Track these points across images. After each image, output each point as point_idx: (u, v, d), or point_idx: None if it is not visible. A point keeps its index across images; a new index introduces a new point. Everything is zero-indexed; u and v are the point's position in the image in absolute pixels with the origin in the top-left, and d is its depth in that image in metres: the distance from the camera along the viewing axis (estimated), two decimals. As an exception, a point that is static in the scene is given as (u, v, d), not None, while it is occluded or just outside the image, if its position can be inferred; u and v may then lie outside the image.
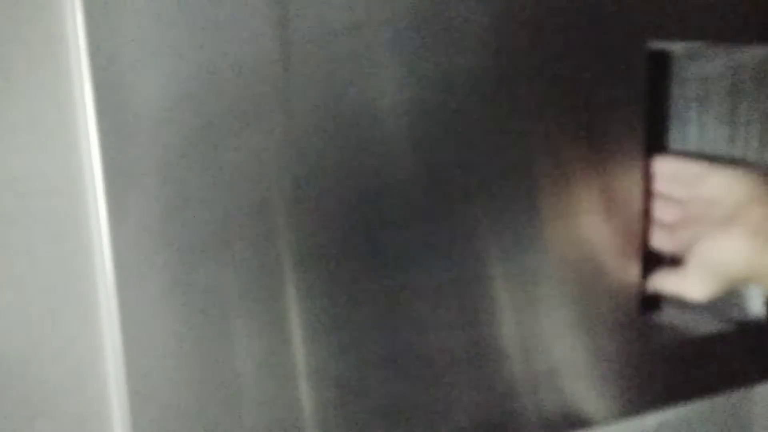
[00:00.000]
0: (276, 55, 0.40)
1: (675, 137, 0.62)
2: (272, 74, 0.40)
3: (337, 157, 0.42)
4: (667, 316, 0.56)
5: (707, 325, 0.58)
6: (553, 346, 0.50)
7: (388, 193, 0.44)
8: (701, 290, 0.50)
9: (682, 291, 0.51)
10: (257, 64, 0.40)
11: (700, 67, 0.59)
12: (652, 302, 0.53)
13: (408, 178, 0.44)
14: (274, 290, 0.41)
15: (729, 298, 0.57)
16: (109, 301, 0.38)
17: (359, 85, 0.42)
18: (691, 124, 0.61)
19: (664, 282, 0.52)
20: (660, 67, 0.60)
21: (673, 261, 0.54)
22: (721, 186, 0.50)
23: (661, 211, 0.54)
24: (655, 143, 0.59)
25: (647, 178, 0.52)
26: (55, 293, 0.38)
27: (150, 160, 0.38)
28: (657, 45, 0.52)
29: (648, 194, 0.52)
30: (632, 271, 0.52)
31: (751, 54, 0.57)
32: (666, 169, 0.53)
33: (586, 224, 0.50)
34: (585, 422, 0.53)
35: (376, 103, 0.43)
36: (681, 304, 0.56)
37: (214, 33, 0.38)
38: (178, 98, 0.38)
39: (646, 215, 0.52)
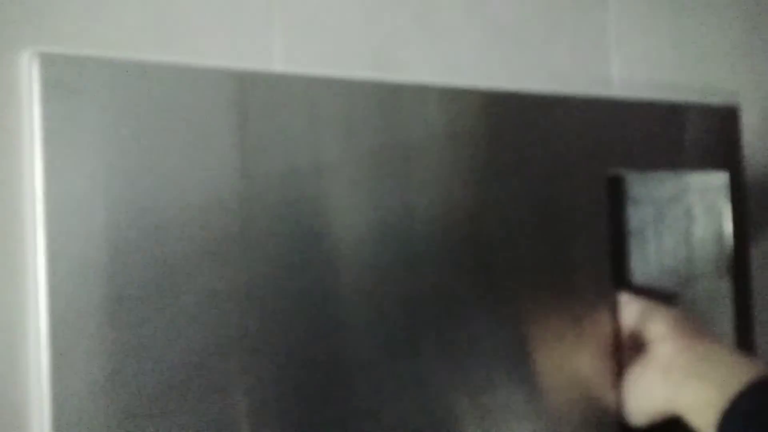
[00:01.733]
0: (236, 194, 0.39)
1: (636, 258, 0.63)
2: (233, 213, 0.39)
3: (297, 299, 0.41)
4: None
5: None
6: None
7: (349, 338, 0.42)
8: (634, 418, 0.51)
9: (625, 417, 0.52)
10: (217, 205, 0.39)
11: (653, 191, 0.62)
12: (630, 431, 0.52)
13: (372, 312, 0.43)
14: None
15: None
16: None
17: (319, 222, 0.42)
18: (649, 245, 0.63)
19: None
20: (617, 191, 0.62)
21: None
22: (646, 320, 0.52)
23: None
24: (618, 265, 0.60)
25: (615, 310, 0.53)
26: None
27: (100, 305, 0.36)
28: (614, 172, 0.54)
29: (617, 323, 0.53)
30: (610, 399, 0.51)
31: (698, 178, 0.60)
32: (623, 303, 0.54)
33: (560, 353, 0.50)
34: None
35: (336, 241, 0.42)
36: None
37: (173, 173, 0.38)
38: (134, 240, 0.37)
39: (620, 344, 0.52)
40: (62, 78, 0.36)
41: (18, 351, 0.35)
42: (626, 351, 0.53)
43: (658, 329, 0.50)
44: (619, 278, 0.56)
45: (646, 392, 0.50)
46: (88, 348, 0.35)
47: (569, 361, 0.50)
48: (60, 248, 0.35)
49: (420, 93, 0.45)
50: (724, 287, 0.60)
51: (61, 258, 0.35)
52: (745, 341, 0.60)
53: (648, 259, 0.62)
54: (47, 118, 0.35)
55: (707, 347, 0.49)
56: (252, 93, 0.40)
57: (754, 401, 0.43)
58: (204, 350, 0.38)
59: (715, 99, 0.59)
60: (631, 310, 0.52)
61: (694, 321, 0.52)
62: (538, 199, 0.50)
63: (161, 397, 0.37)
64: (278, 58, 0.42)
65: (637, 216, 0.62)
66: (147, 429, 0.36)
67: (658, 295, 0.55)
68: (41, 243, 0.35)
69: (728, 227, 0.59)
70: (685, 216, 0.61)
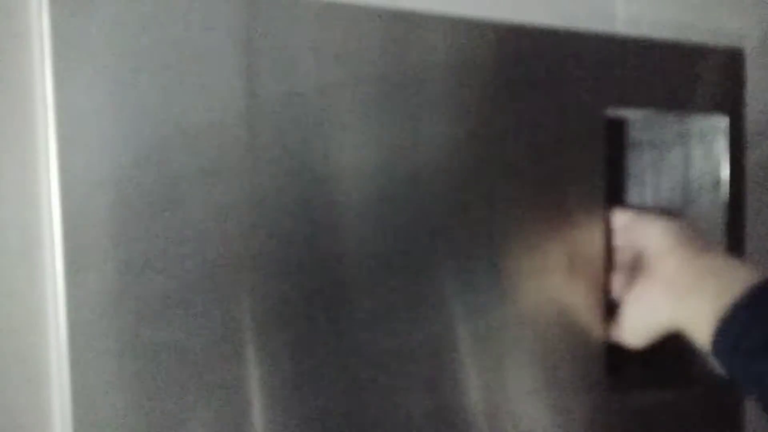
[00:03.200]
0: (242, 113, 0.40)
1: (633, 201, 0.63)
2: (238, 133, 0.40)
3: (302, 217, 0.42)
4: (634, 374, 0.57)
5: (673, 383, 0.58)
6: (519, 408, 0.49)
7: (352, 255, 0.43)
8: (633, 338, 0.51)
9: (619, 339, 0.52)
10: (223, 123, 0.39)
11: (653, 134, 0.62)
12: (618, 361, 0.54)
13: (372, 240, 0.44)
14: (234, 352, 0.40)
15: (694, 355, 0.58)
16: (61, 359, 0.36)
17: (324, 145, 0.42)
18: (647, 187, 0.63)
19: (610, 330, 0.52)
20: (617, 133, 0.62)
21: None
22: (645, 236, 0.51)
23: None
24: (615, 205, 0.61)
25: (608, 238, 0.53)
26: (4, 355, 0.36)
27: (111, 216, 0.37)
28: (614, 113, 0.54)
29: (609, 252, 0.53)
30: (597, 330, 0.52)
31: (699, 122, 0.60)
32: (618, 221, 0.54)
33: (552, 285, 0.51)
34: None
35: (341, 163, 0.43)
36: (647, 362, 0.56)
37: (180, 90, 0.38)
38: (142, 154, 0.37)
39: (609, 274, 0.53)
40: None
41: (36, 266, 0.36)
42: (620, 275, 0.53)
43: (660, 242, 0.49)
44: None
45: (649, 309, 0.49)
46: (105, 259, 0.37)
47: (562, 292, 0.51)
48: (71, 161, 0.36)
49: (424, 21, 0.45)
50: (719, 234, 0.60)
51: (72, 171, 0.36)
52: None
53: (645, 202, 0.63)
54: (56, 32, 0.35)
55: (709, 260, 0.48)
56: (260, 14, 0.40)
57: (747, 310, 0.43)
58: (210, 263, 0.39)
59: (720, 40, 0.59)
60: (628, 225, 0.52)
61: (694, 231, 0.51)
62: (538, 133, 0.50)
63: (168, 307, 0.38)
64: (281, -23, 0.42)
65: (635, 159, 0.62)
66: (154, 336, 0.38)
67: (656, 211, 0.55)
68: (53, 156, 0.36)
69: (726, 173, 0.60)
70: (683, 160, 0.61)
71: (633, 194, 0.63)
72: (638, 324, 0.50)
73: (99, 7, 0.36)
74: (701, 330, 0.46)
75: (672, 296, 0.48)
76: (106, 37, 0.37)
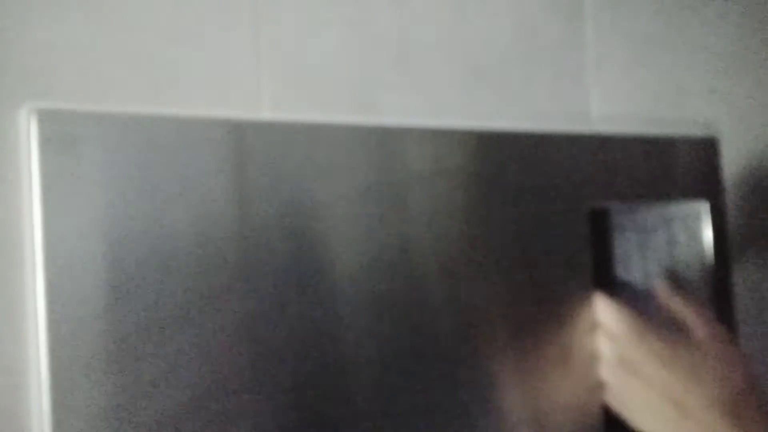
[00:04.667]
0: (233, 236, 0.41)
1: (620, 286, 0.64)
2: (229, 255, 0.41)
3: (297, 334, 0.42)
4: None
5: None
6: None
7: (350, 367, 0.44)
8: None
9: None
10: (214, 246, 0.40)
11: (637, 220, 0.63)
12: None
13: (369, 349, 0.44)
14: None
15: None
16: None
17: (318, 262, 0.43)
18: (633, 270, 0.64)
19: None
20: (601, 223, 0.63)
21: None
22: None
23: None
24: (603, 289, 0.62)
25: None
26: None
27: (99, 348, 0.37)
28: (596, 204, 0.55)
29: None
30: (593, 419, 0.52)
31: (680, 208, 0.62)
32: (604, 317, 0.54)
33: (546, 383, 0.51)
34: None
35: (335, 277, 0.44)
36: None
37: (170, 218, 0.39)
38: (132, 284, 0.38)
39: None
40: (59, 132, 0.37)
41: (20, 396, 0.36)
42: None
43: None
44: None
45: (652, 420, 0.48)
46: (88, 388, 0.37)
47: (556, 385, 0.51)
48: (59, 296, 0.36)
49: (403, 134, 0.47)
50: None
51: (61, 305, 0.36)
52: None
53: (633, 286, 0.63)
54: (45, 171, 0.37)
55: (755, 407, 0.46)
56: (244, 140, 0.42)
57: None
58: (202, 389, 0.39)
59: (694, 131, 0.61)
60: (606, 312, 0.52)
61: (735, 345, 0.49)
62: (523, 232, 0.51)
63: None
64: (267, 105, 0.44)
65: (621, 245, 0.63)
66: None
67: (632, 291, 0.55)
68: (41, 291, 0.36)
69: (710, 254, 0.61)
70: (668, 243, 0.62)
71: (620, 276, 0.64)
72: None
73: (86, 145, 0.37)
74: None
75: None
76: (94, 174, 0.38)
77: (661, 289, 0.53)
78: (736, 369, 0.48)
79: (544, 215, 0.52)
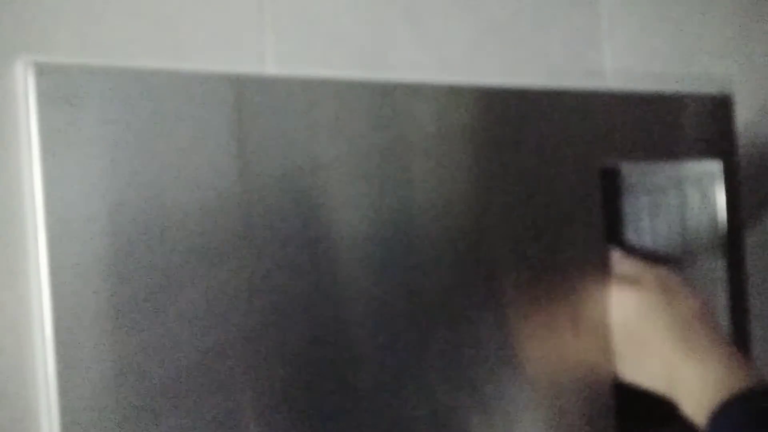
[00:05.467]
0: (235, 194, 0.40)
1: (631, 243, 0.63)
2: (231, 213, 0.40)
3: (299, 294, 0.41)
4: (643, 429, 0.56)
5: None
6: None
7: (353, 328, 0.43)
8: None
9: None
10: (216, 204, 0.39)
11: (649, 180, 0.62)
12: (627, 417, 0.53)
13: (372, 310, 0.44)
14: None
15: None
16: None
17: (320, 221, 0.42)
18: (644, 232, 0.63)
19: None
20: (612, 182, 0.63)
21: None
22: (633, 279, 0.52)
23: None
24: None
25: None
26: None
27: (100, 306, 0.36)
28: (608, 164, 0.54)
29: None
30: (605, 385, 0.52)
31: (693, 168, 0.61)
32: (616, 264, 0.54)
33: (557, 339, 0.50)
34: None
35: (338, 236, 0.43)
36: (656, 419, 0.56)
37: (171, 174, 0.38)
38: (132, 241, 0.37)
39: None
40: (58, 86, 0.36)
41: (25, 357, 0.35)
42: None
43: (647, 297, 0.51)
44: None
45: (647, 375, 0.51)
46: (92, 351, 0.36)
47: (568, 346, 0.51)
48: (61, 256, 0.36)
49: (412, 91, 0.46)
50: (718, 273, 0.60)
51: (63, 265, 0.36)
52: (739, 326, 0.60)
53: (643, 245, 0.63)
54: (44, 126, 0.35)
55: (705, 333, 0.50)
56: (247, 96, 0.41)
57: (744, 410, 0.45)
58: (206, 350, 0.39)
59: (708, 88, 0.59)
60: (623, 268, 0.53)
61: (683, 283, 0.53)
62: (533, 191, 0.50)
63: (164, 397, 0.38)
64: (271, 60, 0.42)
65: (632, 206, 0.62)
66: (151, 428, 0.37)
67: (652, 256, 0.56)
68: (43, 252, 0.35)
69: (722, 214, 0.60)
70: (679, 204, 0.61)
71: (631, 239, 0.63)
72: (640, 381, 0.52)
73: (85, 100, 0.36)
74: (693, 410, 0.48)
75: (666, 368, 0.50)
76: (94, 129, 0.37)
77: (615, 255, 0.54)
78: (682, 302, 0.51)
79: (555, 173, 0.51)
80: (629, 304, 0.51)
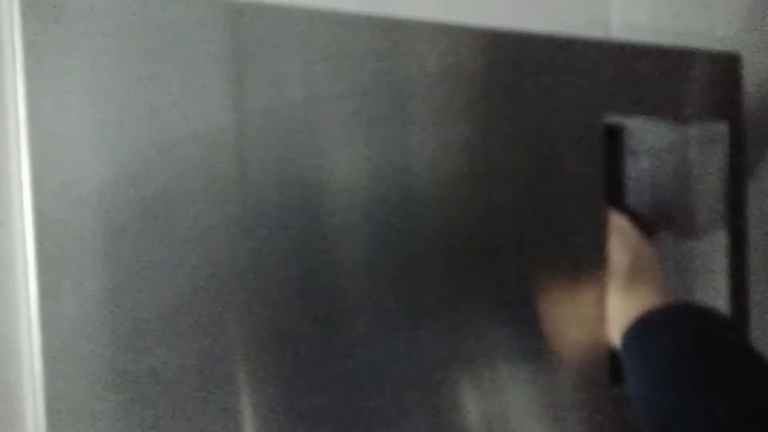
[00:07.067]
0: (229, 125, 0.38)
1: (632, 205, 0.62)
2: (225, 146, 0.38)
3: (292, 232, 0.40)
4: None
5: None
6: (523, 424, 0.48)
7: (346, 272, 0.42)
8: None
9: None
10: (210, 135, 0.38)
11: (652, 141, 0.61)
12: (622, 373, 0.52)
13: (366, 255, 0.42)
14: (224, 378, 0.38)
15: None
16: (36, 392, 0.34)
17: (314, 157, 0.41)
18: (646, 194, 0.62)
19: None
20: (615, 140, 0.61)
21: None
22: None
23: None
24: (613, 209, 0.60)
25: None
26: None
27: (87, 236, 0.35)
28: (612, 120, 0.53)
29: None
30: (600, 339, 0.51)
31: (697, 129, 0.59)
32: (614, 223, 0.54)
33: (552, 296, 0.49)
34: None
35: (332, 175, 0.41)
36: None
37: (163, 102, 0.37)
38: (122, 170, 0.36)
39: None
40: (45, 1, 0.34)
41: (8, 288, 0.34)
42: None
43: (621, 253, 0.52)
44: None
45: (613, 314, 0.52)
46: (82, 281, 0.35)
47: (563, 303, 0.50)
48: (48, 183, 0.34)
49: (415, 28, 0.44)
50: (720, 238, 0.59)
51: (51, 194, 0.34)
52: (739, 291, 0.59)
53: (644, 206, 0.62)
54: (29, 42, 0.34)
55: (646, 278, 0.51)
56: (245, 24, 0.39)
57: (655, 320, 0.47)
58: (198, 283, 0.38)
59: (715, 45, 0.58)
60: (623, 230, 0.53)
61: (652, 255, 0.53)
62: (534, 141, 0.49)
63: (156, 329, 0.36)
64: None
65: (634, 166, 0.61)
66: (142, 360, 0.36)
67: (641, 220, 0.55)
68: (27, 177, 0.34)
69: (727, 175, 0.59)
70: (683, 166, 0.60)
71: (633, 201, 0.62)
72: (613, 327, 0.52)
73: (74, 19, 0.35)
74: (616, 337, 0.50)
75: (610, 313, 0.51)
76: (83, 49, 0.35)
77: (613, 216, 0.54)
78: (628, 247, 0.52)
79: (556, 123, 0.49)
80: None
